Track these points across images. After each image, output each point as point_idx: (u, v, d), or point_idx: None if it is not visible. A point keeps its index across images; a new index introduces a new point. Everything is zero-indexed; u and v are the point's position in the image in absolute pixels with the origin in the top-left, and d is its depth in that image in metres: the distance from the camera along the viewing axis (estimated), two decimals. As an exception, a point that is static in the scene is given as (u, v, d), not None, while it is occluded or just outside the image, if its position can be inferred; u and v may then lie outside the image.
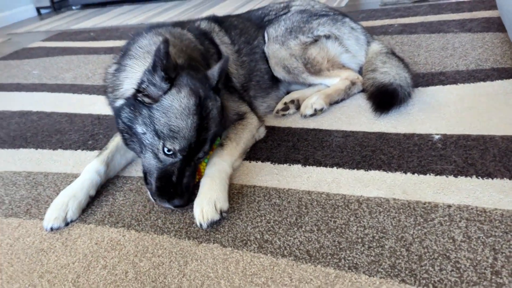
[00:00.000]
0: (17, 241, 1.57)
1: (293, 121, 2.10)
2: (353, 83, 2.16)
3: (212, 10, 5.08)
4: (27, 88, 3.29)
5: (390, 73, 2.06)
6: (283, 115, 2.09)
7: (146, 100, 1.51)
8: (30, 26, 6.07)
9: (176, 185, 1.50)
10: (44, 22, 6.23)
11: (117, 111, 1.62)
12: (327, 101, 2.08)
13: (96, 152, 2.12)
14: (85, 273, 1.36)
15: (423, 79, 2.29)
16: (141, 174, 1.81)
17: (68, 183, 1.88)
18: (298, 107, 2.11)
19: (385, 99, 1.98)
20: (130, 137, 1.61)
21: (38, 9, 7.09)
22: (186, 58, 1.65)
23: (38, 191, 1.86)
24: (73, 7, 7.06)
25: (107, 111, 2.55)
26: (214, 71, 1.58)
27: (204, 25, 2.17)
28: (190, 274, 1.29)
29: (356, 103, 2.16)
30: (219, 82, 1.59)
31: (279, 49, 2.15)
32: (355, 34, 2.32)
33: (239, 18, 2.41)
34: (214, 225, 1.47)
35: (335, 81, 2.14)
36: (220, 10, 4.98)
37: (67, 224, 1.60)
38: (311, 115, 2.05)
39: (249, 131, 1.88)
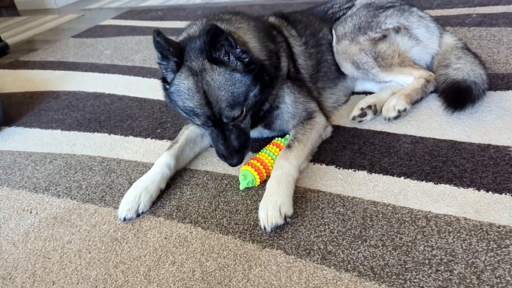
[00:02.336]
0: (94, 228, 1.68)
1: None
2: (427, 81, 2.07)
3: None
4: (100, 69, 3.45)
5: (464, 70, 1.97)
6: (360, 121, 2.03)
7: (166, 86, 1.66)
8: (102, 2, 6.30)
9: (224, 150, 1.65)
10: (115, -3, 6.43)
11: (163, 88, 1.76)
12: (408, 100, 2.00)
13: (164, 141, 2.21)
14: (156, 268, 1.45)
15: (502, 81, 2.15)
16: (207, 168, 1.89)
17: (138, 172, 1.98)
18: (375, 112, 2.04)
19: (458, 96, 1.91)
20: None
21: (108, -16, 7.31)
22: (202, 26, 1.75)
23: (111, 178, 1.98)
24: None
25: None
26: (198, 44, 1.59)
27: (272, 19, 2.19)
28: (254, 279, 1.34)
29: (427, 105, 2.07)
30: (210, 52, 1.55)
31: (348, 45, 2.11)
32: (424, 22, 2.21)
33: (302, 13, 2.43)
34: (277, 229, 1.50)
35: (408, 79, 2.06)
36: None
37: (138, 215, 1.70)
38: (395, 117, 1.97)
39: (316, 131, 1.87)
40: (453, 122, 1.91)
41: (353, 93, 2.33)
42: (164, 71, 1.66)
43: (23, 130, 2.63)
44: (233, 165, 1.67)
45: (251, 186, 1.74)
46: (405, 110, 1.95)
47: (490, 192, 1.50)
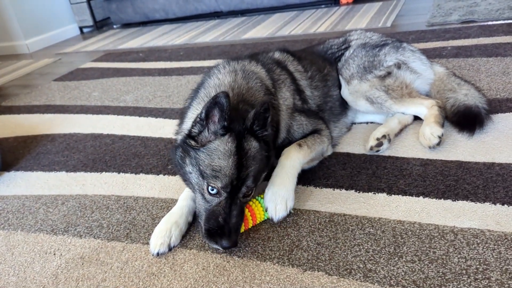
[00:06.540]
0: (126, 264, 1.68)
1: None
2: (439, 107, 2.19)
3: (253, 31, 5.21)
4: (92, 110, 3.46)
5: (472, 95, 2.18)
6: (377, 151, 2.12)
7: (193, 143, 1.65)
8: (76, 46, 6.31)
9: (223, 226, 1.57)
10: (89, 41, 6.46)
11: (173, 150, 1.79)
12: (439, 126, 2.09)
13: (177, 177, 2.24)
14: (201, 298, 1.46)
15: (490, 106, 2.34)
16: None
17: (159, 208, 2.00)
18: (389, 141, 2.14)
19: (473, 120, 2.10)
20: (183, 175, 1.75)
21: (81, 28, 7.36)
22: (237, 102, 1.76)
23: (132, 216, 1.98)
24: (114, 26, 7.30)
25: (179, 135, 2.69)
26: (250, 115, 1.63)
27: (277, 55, 2.32)
28: (304, 301, 1.38)
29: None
30: (253, 125, 1.63)
31: (358, 84, 2.26)
32: (417, 55, 2.41)
33: (305, 51, 2.59)
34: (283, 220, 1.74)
35: (420, 109, 2.19)
36: (262, 31, 5.12)
37: (170, 249, 1.71)
38: (438, 143, 2.04)
39: (321, 144, 2.05)
40: (455, 144, 2.07)
41: (354, 123, 2.47)
42: (198, 128, 1.65)
43: (25, 174, 2.59)
44: (225, 247, 1.57)
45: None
46: (442, 134, 2.05)
47: (505, 205, 1.63)
